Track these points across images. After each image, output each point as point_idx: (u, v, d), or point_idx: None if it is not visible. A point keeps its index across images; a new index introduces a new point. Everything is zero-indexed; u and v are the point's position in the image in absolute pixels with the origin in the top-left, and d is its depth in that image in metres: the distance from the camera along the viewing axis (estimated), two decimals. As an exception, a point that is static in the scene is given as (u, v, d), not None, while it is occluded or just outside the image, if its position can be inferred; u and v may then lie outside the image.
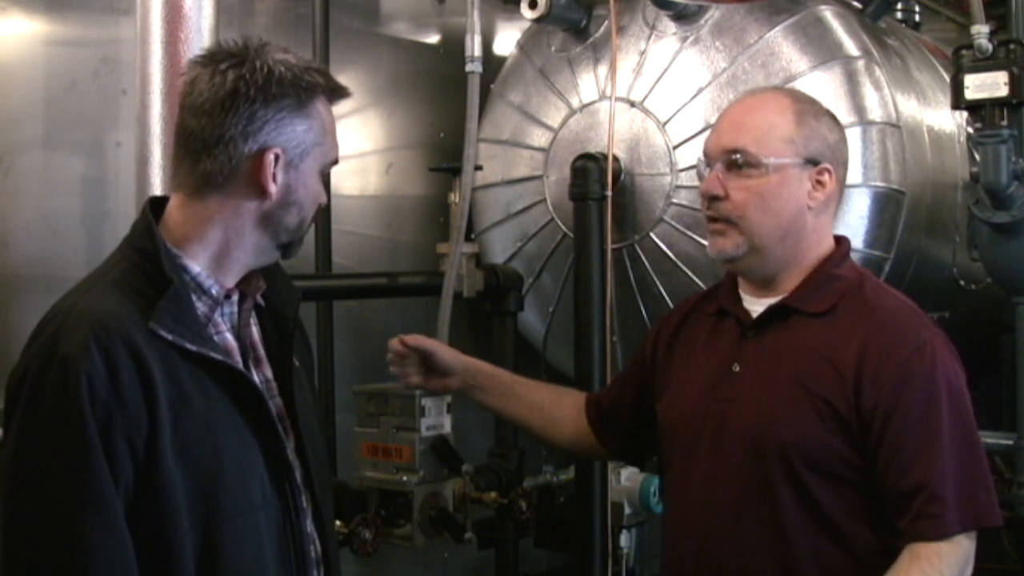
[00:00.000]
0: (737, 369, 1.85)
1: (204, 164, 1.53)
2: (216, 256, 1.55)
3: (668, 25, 2.94)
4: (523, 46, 3.26)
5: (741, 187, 1.83)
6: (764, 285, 1.89)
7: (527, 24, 3.14)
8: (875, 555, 1.73)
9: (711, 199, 1.85)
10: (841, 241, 1.93)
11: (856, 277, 1.89)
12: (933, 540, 1.68)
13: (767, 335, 1.86)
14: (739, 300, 1.93)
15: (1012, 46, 2.79)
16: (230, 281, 1.59)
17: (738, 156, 1.82)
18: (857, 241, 2.75)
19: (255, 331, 1.66)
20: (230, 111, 1.51)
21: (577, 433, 2.19)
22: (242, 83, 1.51)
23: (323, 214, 2.84)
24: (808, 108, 1.90)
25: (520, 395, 2.23)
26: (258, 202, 1.55)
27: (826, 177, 1.86)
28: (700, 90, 2.84)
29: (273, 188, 1.54)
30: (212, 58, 1.56)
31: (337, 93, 1.63)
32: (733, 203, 1.83)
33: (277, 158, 1.53)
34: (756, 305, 1.89)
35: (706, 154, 1.89)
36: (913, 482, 1.69)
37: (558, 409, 2.22)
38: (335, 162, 1.65)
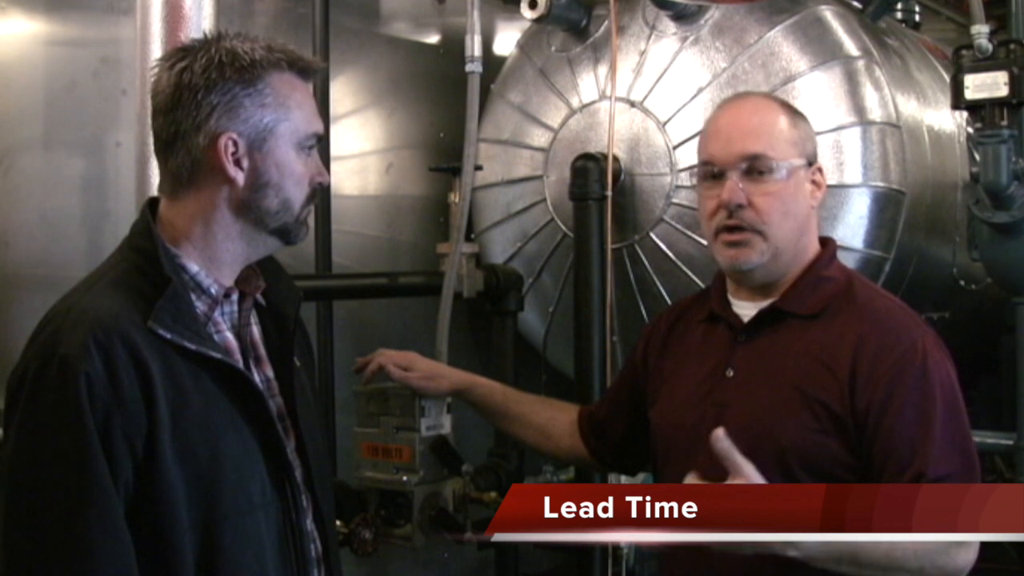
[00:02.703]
0: (730, 374, 1.86)
1: (171, 163, 1.54)
2: (206, 252, 1.55)
3: (668, 25, 2.94)
4: (523, 46, 3.26)
5: (763, 193, 1.82)
6: (761, 289, 1.89)
7: (527, 24, 3.14)
8: None
9: (735, 208, 1.83)
10: (827, 242, 1.94)
11: (844, 278, 1.90)
12: None
13: (759, 339, 1.86)
14: (729, 305, 1.93)
15: (1012, 46, 2.78)
16: (227, 278, 1.59)
17: (756, 163, 1.82)
18: (857, 241, 2.75)
19: (256, 330, 1.66)
20: (178, 106, 1.51)
21: (572, 447, 2.22)
22: (185, 75, 1.50)
23: (323, 214, 2.85)
24: (792, 110, 1.93)
25: (514, 415, 2.28)
26: (228, 190, 1.54)
27: (819, 176, 1.89)
28: (700, 90, 2.83)
29: (237, 173, 1.52)
30: (168, 57, 1.56)
31: (298, 65, 1.58)
32: (758, 210, 1.82)
33: (235, 143, 1.51)
34: (747, 309, 1.90)
35: (712, 162, 1.86)
36: (910, 477, 1.70)
37: (552, 426, 2.25)
38: (316, 136, 1.60)
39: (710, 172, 1.87)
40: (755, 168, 1.82)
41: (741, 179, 1.82)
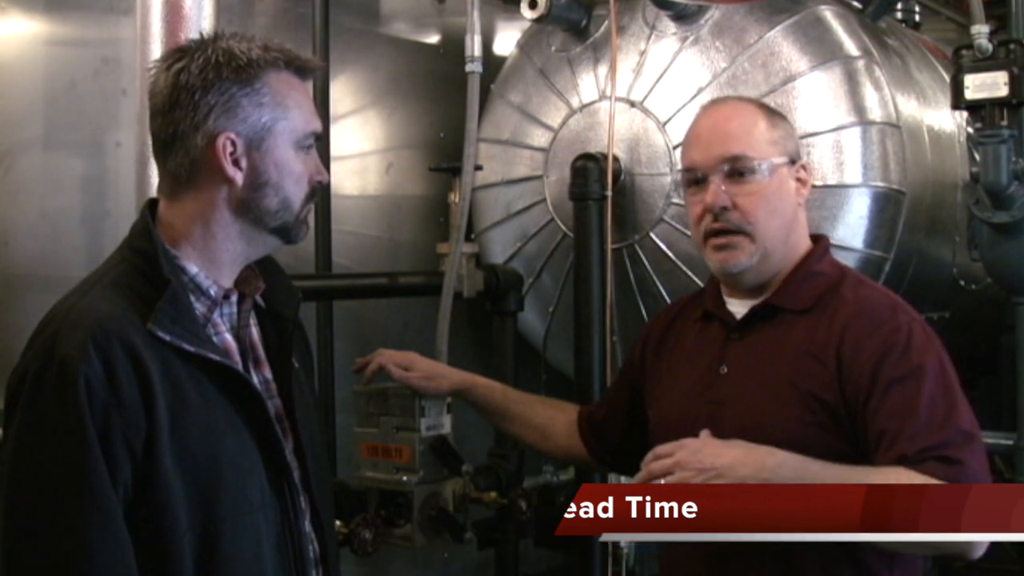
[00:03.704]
0: (725, 371, 1.87)
1: (169, 164, 1.54)
2: (206, 253, 1.55)
3: (668, 25, 2.94)
4: (523, 46, 3.26)
5: (746, 193, 1.83)
6: (755, 288, 1.90)
7: (527, 24, 3.14)
8: (874, 550, 1.74)
9: (720, 211, 1.84)
10: (820, 238, 1.95)
11: (837, 272, 1.91)
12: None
13: (752, 335, 1.87)
14: (723, 303, 1.94)
15: (1012, 46, 2.79)
16: (227, 279, 1.59)
17: (737, 164, 1.83)
18: (857, 241, 2.75)
19: (255, 332, 1.66)
20: (176, 106, 1.51)
21: (570, 446, 2.23)
22: (182, 76, 1.51)
23: (323, 214, 2.85)
24: (771, 111, 1.95)
25: (514, 415, 2.28)
26: (227, 190, 1.53)
27: (803, 173, 1.90)
28: (700, 90, 2.83)
29: (236, 173, 1.52)
30: (165, 58, 1.56)
31: (295, 64, 1.58)
32: (742, 211, 1.83)
33: (233, 143, 1.51)
34: (740, 307, 1.91)
35: (693, 168, 1.88)
36: (899, 452, 1.69)
37: (552, 426, 2.25)
38: (315, 134, 1.60)
39: (693, 178, 1.89)
40: (736, 170, 1.83)
41: (724, 182, 1.84)
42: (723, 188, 1.83)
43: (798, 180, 1.89)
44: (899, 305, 1.86)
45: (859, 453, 1.75)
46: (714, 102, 2.15)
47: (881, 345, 1.76)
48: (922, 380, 1.73)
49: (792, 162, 1.89)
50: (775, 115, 1.93)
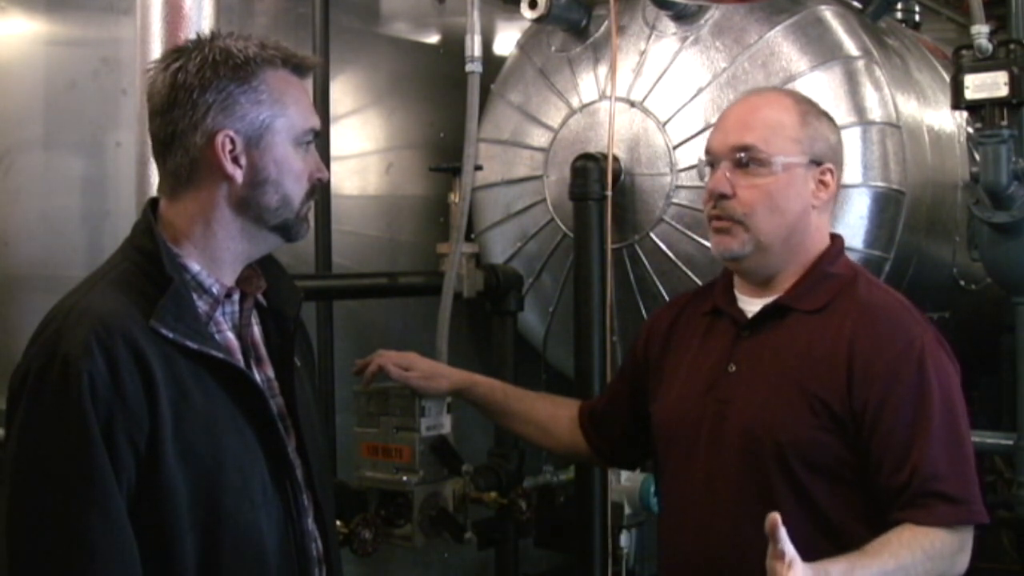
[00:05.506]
0: (733, 369, 1.86)
1: (169, 163, 1.55)
2: (207, 251, 1.56)
3: (668, 25, 2.94)
4: (523, 46, 3.26)
5: (749, 186, 1.83)
6: (762, 284, 1.90)
7: (527, 24, 3.14)
8: None
9: (718, 198, 1.85)
10: (835, 239, 1.94)
11: (850, 274, 1.90)
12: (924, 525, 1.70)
13: (762, 334, 1.87)
14: (735, 300, 1.93)
15: (1012, 46, 2.79)
16: (229, 278, 1.59)
17: (747, 154, 1.83)
18: (857, 241, 2.75)
19: (257, 330, 1.66)
20: (174, 106, 1.51)
21: (572, 442, 2.23)
22: (180, 75, 1.51)
23: (323, 214, 2.85)
24: (810, 109, 1.92)
25: (515, 412, 2.28)
26: (227, 188, 1.54)
27: (828, 177, 1.88)
28: (700, 90, 2.83)
29: (235, 171, 1.53)
30: (163, 59, 1.57)
31: (292, 62, 1.59)
32: (741, 202, 1.84)
33: (232, 140, 1.52)
34: (752, 305, 1.90)
35: (710, 152, 1.89)
36: (905, 478, 1.71)
37: (553, 422, 2.25)
38: (314, 131, 1.60)
39: (709, 161, 1.90)
40: (745, 160, 1.83)
41: (731, 170, 1.84)
42: (727, 176, 1.84)
43: (820, 182, 1.88)
44: (912, 315, 1.85)
45: (859, 459, 1.75)
46: (753, 91, 2.15)
47: (894, 361, 1.76)
48: (933, 400, 1.74)
49: (817, 164, 1.87)
50: (813, 113, 1.91)
